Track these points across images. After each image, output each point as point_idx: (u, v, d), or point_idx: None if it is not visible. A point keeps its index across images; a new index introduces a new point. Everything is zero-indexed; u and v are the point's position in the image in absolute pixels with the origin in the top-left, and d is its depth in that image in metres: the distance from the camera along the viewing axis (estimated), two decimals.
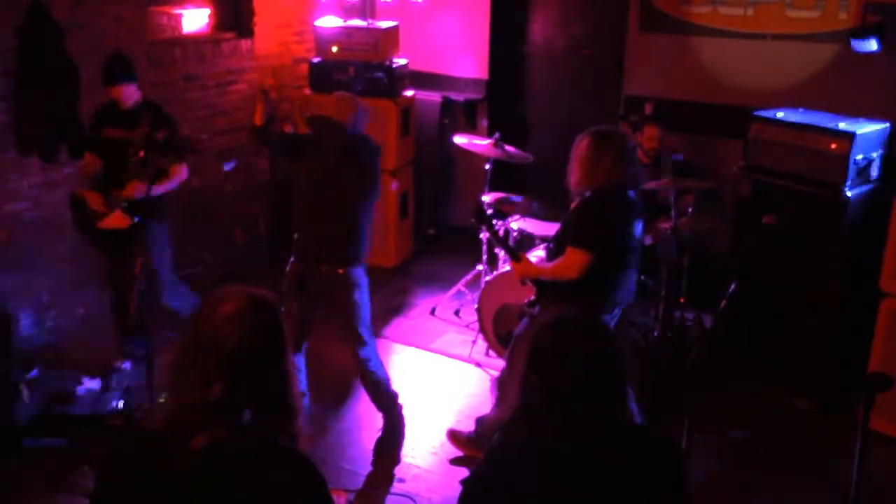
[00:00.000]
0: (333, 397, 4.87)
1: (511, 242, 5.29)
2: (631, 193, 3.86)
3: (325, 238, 4.19)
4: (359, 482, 4.15)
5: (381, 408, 4.47)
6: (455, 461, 4.34)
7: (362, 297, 4.28)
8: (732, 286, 3.47)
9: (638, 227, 3.91)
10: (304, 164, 4.23)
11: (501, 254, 5.37)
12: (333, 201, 4.16)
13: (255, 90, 4.40)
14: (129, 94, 4.63)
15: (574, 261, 3.73)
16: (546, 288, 3.97)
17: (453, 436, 4.43)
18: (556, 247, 3.97)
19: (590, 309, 3.71)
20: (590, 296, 3.78)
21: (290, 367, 2.08)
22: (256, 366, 1.99)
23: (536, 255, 4.95)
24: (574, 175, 3.84)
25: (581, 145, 3.82)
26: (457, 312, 5.96)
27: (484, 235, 5.62)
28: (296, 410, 2.07)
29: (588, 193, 3.83)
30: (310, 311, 4.35)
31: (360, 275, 4.26)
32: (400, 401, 4.51)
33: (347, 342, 4.32)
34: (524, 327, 4.06)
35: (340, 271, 4.19)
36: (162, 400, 4.26)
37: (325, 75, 6.50)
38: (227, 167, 4.75)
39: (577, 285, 3.76)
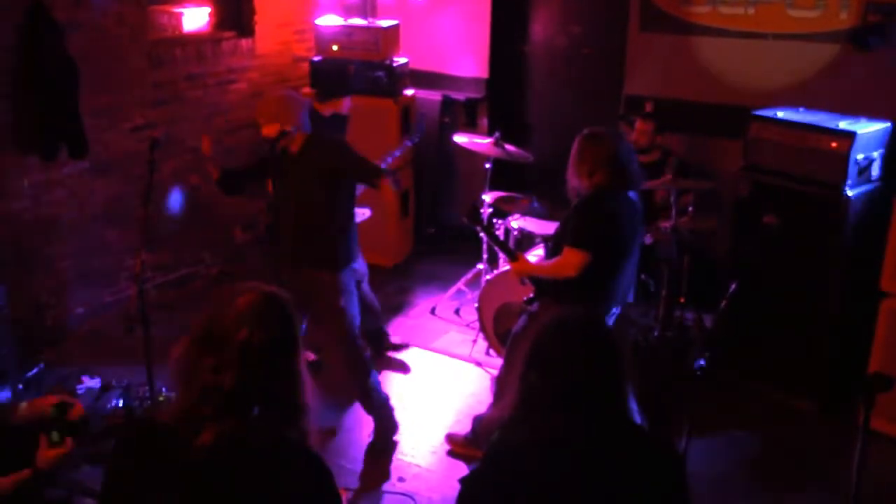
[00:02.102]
0: (333, 397, 4.86)
1: (511, 241, 5.29)
2: (630, 194, 3.86)
3: (303, 243, 4.11)
4: (359, 482, 4.15)
5: (370, 410, 4.41)
6: (453, 455, 4.35)
7: (348, 301, 4.20)
8: (732, 286, 3.46)
9: (637, 228, 3.92)
10: (272, 178, 4.16)
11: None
12: (305, 206, 4.08)
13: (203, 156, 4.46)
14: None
15: (571, 260, 3.73)
16: (544, 286, 3.98)
17: (451, 440, 4.43)
18: (554, 245, 3.98)
19: (589, 308, 3.72)
20: (588, 295, 3.78)
21: (301, 365, 2.10)
22: (267, 360, 2.02)
23: (536, 253, 4.95)
24: (567, 175, 3.88)
25: (573, 146, 3.86)
26: (457, 311, 5.96)
27: (484, 235, 5.61)
28: (305, 408, 2.09)
29: (586, 193, 3.84)
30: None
31: (344, 280, 4.18)
32: (391, 403, 4.46)
33: (334, 347, 4.27)
34: (522, 325, 4.07)
35: (321, 276, 4.13)
36: (162, 398, 4.27)
37: (325, 74, 6.50)
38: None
39: (575, 284, 3.76)
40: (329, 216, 4.13)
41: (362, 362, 4.30)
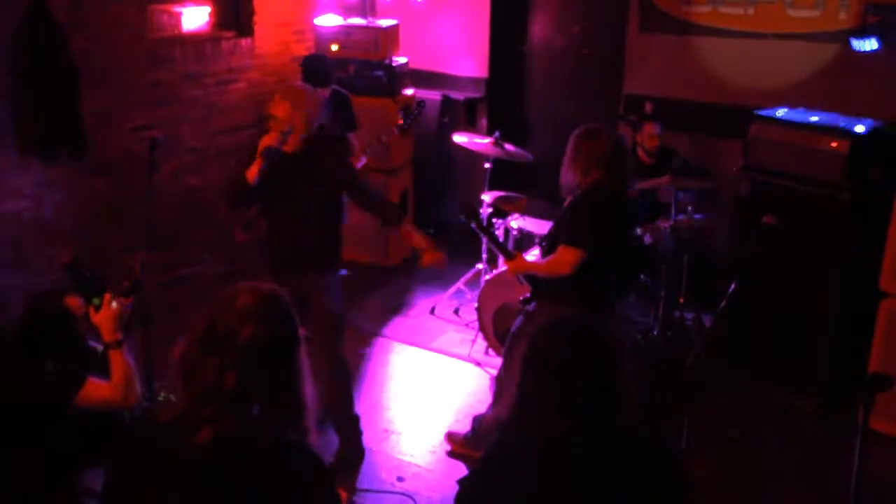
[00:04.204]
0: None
1: (511, 241, 5.29)
2: (626, 192, 3.87)
3: (299, 245, 3.99)
4: (359, 481, 4.15)
5: (340, 427, 4.21)
6: (453, 455, 4.35)
7: (339, 306, 4.08)
8: (732, 286, 3.47)
9: (633, 226, 3.92)
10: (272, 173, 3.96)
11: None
12: (304, 206, 3.94)
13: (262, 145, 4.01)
14: None
15: (566, 257, 3.74)
16: (540, 285, 3.98)
17: (450, 438, 4.44)
18: (549, 243, 3.98)
19: (585, 308, 3.73)
20: (583, 293, 3.78)
21: (301, 363, 2.10)
22: (268, 360, 2.02)
23: (534, 253, 4.95)
24: (561, 172, 3.88)
25: (569, 143, 3.86)
26: (456, 311, 5.97)
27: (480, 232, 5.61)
28: (306, 406, 2.10)
29: (580, 191, 3.84)
30: None
31: (337, 282, 4.09)
32: (360, 426, 4.31)
33: (323, 352, 3.99)
34: (519, 325, 4.07)
35: (317, 278, 4.01)
36: (162, 398, 4.26)
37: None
38: None
39: (570, 282, 3.76)
40: (314, 217, 3.99)
41: (345, 374, 4.22)
